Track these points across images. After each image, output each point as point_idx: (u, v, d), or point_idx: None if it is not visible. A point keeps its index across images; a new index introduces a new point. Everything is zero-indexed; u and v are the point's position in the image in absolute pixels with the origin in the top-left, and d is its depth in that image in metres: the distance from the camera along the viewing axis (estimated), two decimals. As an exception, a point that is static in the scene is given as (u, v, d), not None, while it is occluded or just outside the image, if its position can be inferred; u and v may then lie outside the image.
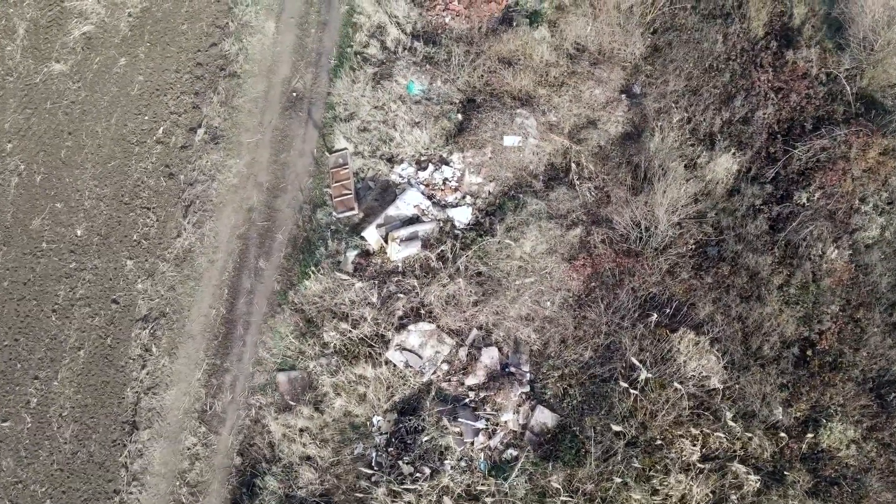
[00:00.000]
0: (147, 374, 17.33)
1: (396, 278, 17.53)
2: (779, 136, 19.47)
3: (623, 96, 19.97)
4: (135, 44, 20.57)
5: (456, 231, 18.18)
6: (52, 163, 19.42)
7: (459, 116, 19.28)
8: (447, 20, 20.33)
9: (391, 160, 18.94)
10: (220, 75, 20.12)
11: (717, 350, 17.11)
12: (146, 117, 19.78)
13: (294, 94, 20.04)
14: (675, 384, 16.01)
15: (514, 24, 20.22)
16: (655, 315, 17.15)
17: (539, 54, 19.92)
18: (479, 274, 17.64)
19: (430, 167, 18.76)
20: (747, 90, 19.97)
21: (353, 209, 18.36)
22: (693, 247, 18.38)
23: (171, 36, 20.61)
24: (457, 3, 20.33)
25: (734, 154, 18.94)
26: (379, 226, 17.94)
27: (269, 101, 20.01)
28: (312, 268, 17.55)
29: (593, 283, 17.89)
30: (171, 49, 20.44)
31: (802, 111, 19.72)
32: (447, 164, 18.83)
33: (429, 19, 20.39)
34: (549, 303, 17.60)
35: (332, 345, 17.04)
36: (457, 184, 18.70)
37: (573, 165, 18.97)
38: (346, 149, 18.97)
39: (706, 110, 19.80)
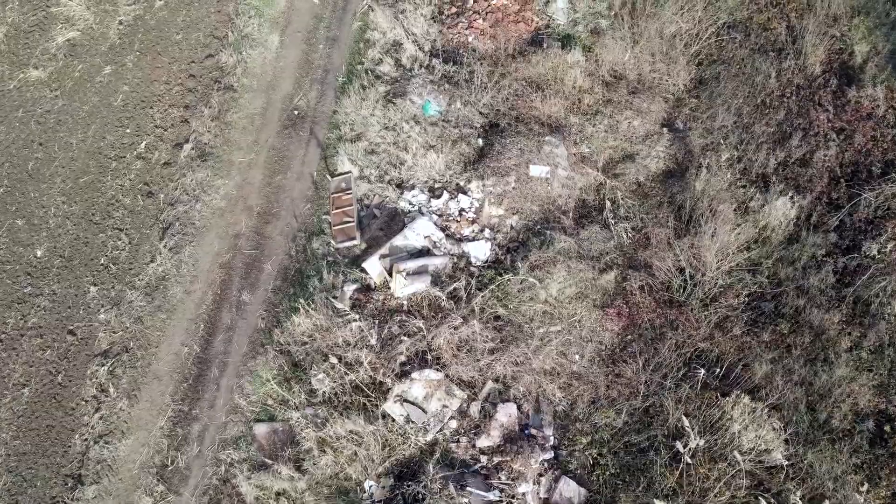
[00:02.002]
0: (100, 418, 15.95)
1: (400, 317, 16.50)
2: (842, 180, 18.71)
3: (665, 130, 19.46)
4: (123, 52, 20.39)
5: (472, 268, 17.34)
6: (18, 175, 18.75)
7: (480, 141, 18.81)
8: (470, 39, 20.07)
9: (401, 186, 18.34)
10: (214, 88, 19.85)
11: (778, 419, 15.55)
12: (128, 130, 19.32)
13: (295, 111, 19.57)
14: (735, 454, 14.37)
15: (545, 46, 19.92)
16: (703, 374, 15.78)
17: (571, 79, 19.59)
18: (497, 318, 16.63)
19: (445, 195, 18.07)
20: (805, 129, 19.34)
21: (354, 239, 17.62)
22: (745, 299, 17.31)
23: (164, 45, 20.41)
24: (481, 22, 20.05)
25: (792, 198, 18.12)
26: (383, 256, 17.07)
27: (266, 118, 19.63)
28: (303, 302, 16.33)
29: (630, 336, 16.85)
30: (163, 59, 20.21)
31: (868, 154, 18.98)
32: (464, 192, 18.18)
33: (450, 37, 20.21)
34: (577, 355, 16.38)
35: (321, 393, 15.74)
36: (474, 215, 17.96)
37: (608, 202, 18.29)
38: (350, 172, 18.44)
39: (759, 149, 19.17)
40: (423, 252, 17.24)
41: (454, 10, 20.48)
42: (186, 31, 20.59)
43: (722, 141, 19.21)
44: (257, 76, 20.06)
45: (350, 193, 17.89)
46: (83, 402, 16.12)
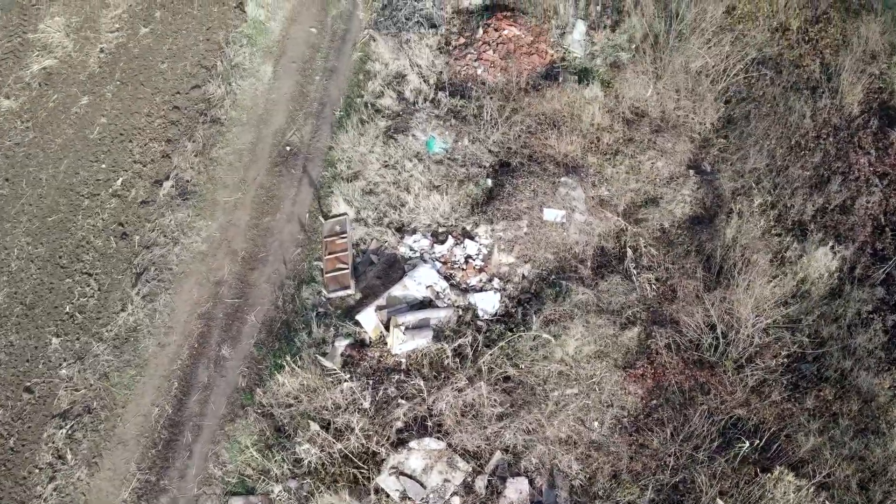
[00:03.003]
0: (55, 490, 14.63)
1: (397, 377, 15.34)
2: (887, 229, 17.92)
3: (691, 172, 18.72)
4: (102, 82, 19.69)
5: (479, 322, 16.24)
6: (-20, 213, 17.59)
7: (489, 182, 17.97)
8: (479, 71, 19.33)
9: (401, 230, 17.40)
10: (199, 121, 19.12)
11: (827, 499, 14.22)
12: (103, 165, 18.44)
13: (288, 147, 18.71)
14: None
15: (560, 80, 19.23)
16: (744, 447, 14.55)
17: (589, 116, 18.92)
18: (507, 379, 15.49)
19: (450, 241, 17.13)
20: (844, 174, 18.63)
21: (348, 288, 16.62)
22: (784, 360, 16.23)
23: (147, 75, 19.68)
24: (492, 53, 19.28)
25: (833, 248, 17.25)
26: (380, 308, 15.97)
27: (256, 154, 18.82)
28: (289, 359, 15.04)
29: (655, 400, 15.73)
30: (145, 89, 19.44)
31: (916, 201, 18.10)
32: (471, 237, 17.22)
33: (457, 69, 19.58)
34: (596, 422, 15.20)
35: (307, 463, 14.32)
36: (482, 263, 16.96)
37: (629, 250, 17.38)
38: (345, 214, 17.57)
39: (794, 194, 18.41)
40: (425, 304, 16.22)
41: (462, 40, 19.74)
42: (172, 60, 19.94)
43: (754, 185, 18.49)
44: (247, 109, 19.37)
45: (345, 237, 16.97)
46: (36, 471, 14.73)
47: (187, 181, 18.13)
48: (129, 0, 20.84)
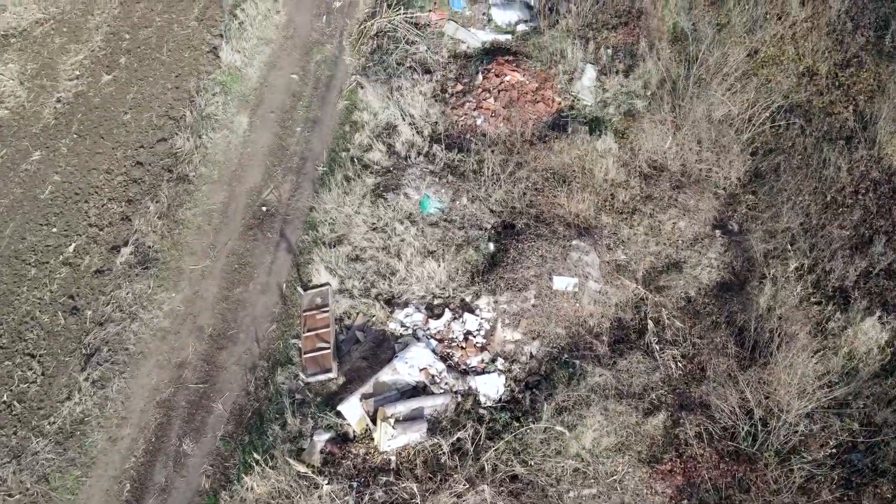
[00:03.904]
0: None
1: (386, 479, 13.82)
2: None
3: (717, 232, 17.65)
4: (57, 135, 18.65)
5: (481, 410, 14.95)
6: (-90, 284, 16.04)
7: (491, 246, 16.79)
8: (479, 122, 18.20)
9: (391, 302, 16.13)
10: (164, 179, 18.01)
11: None
12: (54, 229, 17.21)
13: (264, 207, 17.54)
14: None
15: (569, 130, 18.07)
16: None
17: (602, 170, 17.86)
18: (515, 478, 14.11)
19: (447, 315, 15.83)
20: (888, 233, 17.54)
21: (329, 371, 15.29)
22: (833, 450, 14.83)
23: (109, 127, 18.67)
24: (493, 102, 18.06)
25: (880, 319, 16.00)
26: (366, 396, 14.61)
27: (228, 215, 17.65)
28: (259, 456, 13.43)
29: (687, 501, 14.30)
30: (105, 143, 18.40)
31: (972, 264, 17.35)
32: (471, 311, 15.91)
33: (454, 119, 18.50)
34: None
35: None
36: (484, 340, 15.69)
37: (650, 323, 16.22)
38: (327, 285, 16.32)
39: (833, 257, 17.21)
40: (418, 390, 14.85)
41: (460, 87, 18.54)
42: (137, 111, 18.92)
43: (788, 246, 17.40)
44: (219, 164, 18.30)
45: (327, 311, 15.77)
46: None
47: (149, 247, 16.90)
48: (91, 45, 19.96)
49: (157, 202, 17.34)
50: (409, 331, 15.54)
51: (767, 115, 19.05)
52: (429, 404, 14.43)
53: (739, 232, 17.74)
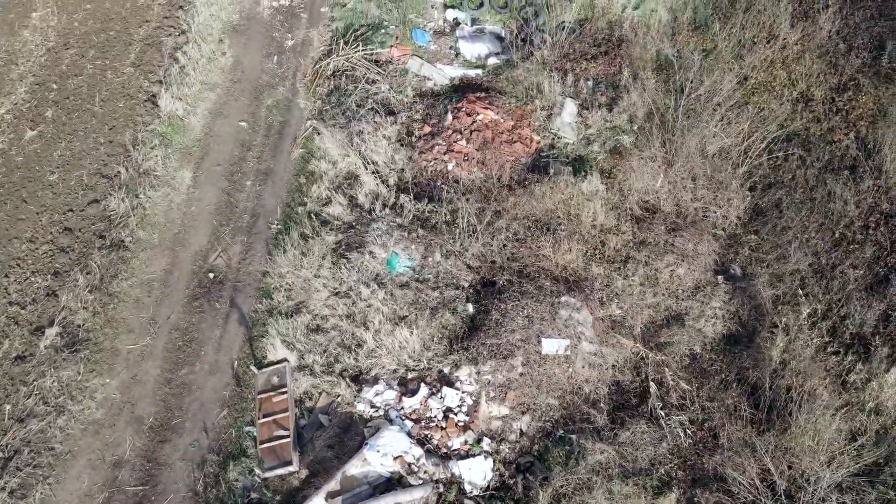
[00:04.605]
0: None
1: None
2: None
3: (720, 278, 16.33)
4: None
5: (466, 501, 13.27)
6: None
7: (470, 307, 15.30)
8: (450, 167, 16.86)
9: (358, 379, 14.49)
10: (96, 246, 16.24)
11: None
12: None
13: (211, 274, 16.01)
14: None
15: (551, 172, 16.88)
16: None
17: (590, 215, 16.49)
18: None
19: (423, 390, 14.24)
20: None
21: (289, 463, 13.59)
22: None
23: (33, 189, 17.07)
24: (465, 143, 16.72)
25: None
26: (332, 495, 12.89)
27: (170, 285, 15.96)
28: None
29: None
30: (28, 208, 16.82)
31: None
32: (451, 384, 14.34)
33: (423, 165, 17.16)
34: None
35: None
36: (467, 418, 14.09)
37: (653, 385, 14.81)
38: (285, 361, 14.72)
39: (848, 300, 15.94)
40: (394, 482, 13.18)
41: (427, 129, 17.12)
42: (65, 170, 17.25)
43: (799, 291, 16.10)
44: (159, 227, 16.64)
45: (285, 393, 14.14)
46: None
47: (79, 326, 15.12)
48: (13, 97, 18.39)
49: (87, 273, 15.63)
50: (381, 412, 13.87)
51: (764, 146, 17.94)
52: (406, 500, 12.72)
53: (743, 276, 16.48)
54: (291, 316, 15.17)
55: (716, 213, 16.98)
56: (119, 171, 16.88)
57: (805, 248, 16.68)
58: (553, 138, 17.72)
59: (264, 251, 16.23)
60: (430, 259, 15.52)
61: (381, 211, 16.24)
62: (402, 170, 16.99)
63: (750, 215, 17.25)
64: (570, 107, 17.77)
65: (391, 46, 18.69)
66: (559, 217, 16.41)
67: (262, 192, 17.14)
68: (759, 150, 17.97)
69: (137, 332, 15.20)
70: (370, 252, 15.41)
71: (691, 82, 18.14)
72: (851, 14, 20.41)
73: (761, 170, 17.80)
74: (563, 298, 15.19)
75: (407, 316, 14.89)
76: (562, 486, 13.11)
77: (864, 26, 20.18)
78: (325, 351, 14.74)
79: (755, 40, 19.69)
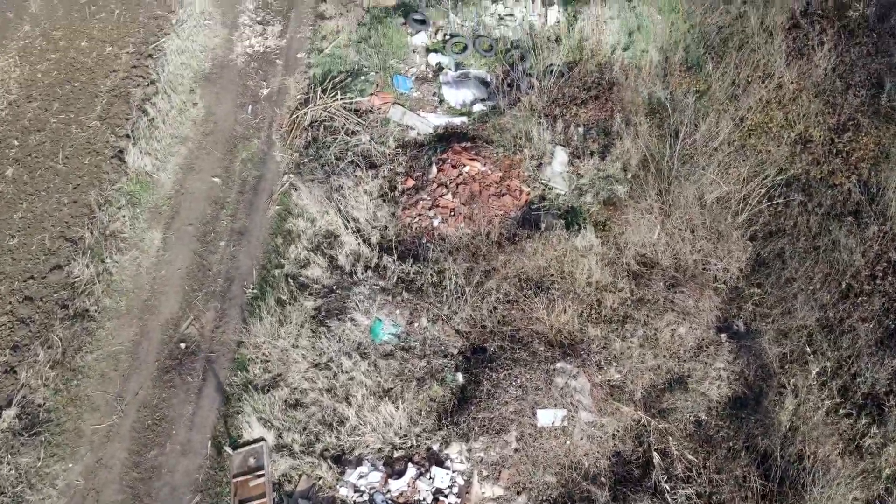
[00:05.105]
0: None
1: None
2: None
3: (723, 336, 15.61)
4: None
5: None
6: None
7: (460, 377, 14.45)
8: (436, 223, 16.15)
9: (340, 460, 13.57)
10: (59, 317, 15.20)
11: None
12: None
13: (183, 344, 15.18)
14: None
15: (543, 226, 16.10)
16: None
17: (584, 272, 15.74)
18: None
19: (411, 470, 13.32)
20: None
21: None
22: None
23: None
24: (451, 198, 15.96)
25: None
26: None
27: (138, 357, 15.00)
28: None
29: None
30: None
31: None
32: (440, 463, 13.46)
33: (407, 222, 16.39)
34: None
35: None
36: (458, 500, 13.17)
37: (656, 456, 13.94)
38: (262, 440, 13.76)
39: (858, 357, 15.28)
40: None
41: (411, 183, 16.38)
42: (26, 233, 16.30)
43: (806, 348, 15.41)
44: (127, 294, 15.71)
45: (262, 476, 13.16)
46: None
47: (39, 405, 14.07)
48: None
49: (49, 347, 14.61)
50: (365, 496, 12.90)
51: (763, 191, 17.37)
52: None
53: (748, 333, 15.82)
54: (268, 390, 14.23)
55: (716, 265, 16.34)
56: (83, 235, 15.92)
57: (811, 301, 16.12)
58: (544, 189, 17.06)
59: (239, 318, 15.33)
60: (415, 324, 14.72)
61: (362, 273, 15.41)
62: (385, 227, 16.23)
63: (752, 266, 16.62)
64: (561, 155, 17.15)
65: (371, 94, 17.97)
66: (552, 275, 15.71)
67: (236, 253, 16.28)
68: (758, 196, 17.50)
69: (103, 411, 14.19)
70: (352, 319, 14.58)
71: (686, 126, 17.61)
72: (847, 51, 20.03)
73: (762, 217, 17.27)
74: (558, 365, 14.41)
75: (392, 388, 14.04)
76: (565, 578, 12.44)
77: (861, 63, 19.77)
78: (304, 428, 13.81)
79: (749, 80, 19.22)
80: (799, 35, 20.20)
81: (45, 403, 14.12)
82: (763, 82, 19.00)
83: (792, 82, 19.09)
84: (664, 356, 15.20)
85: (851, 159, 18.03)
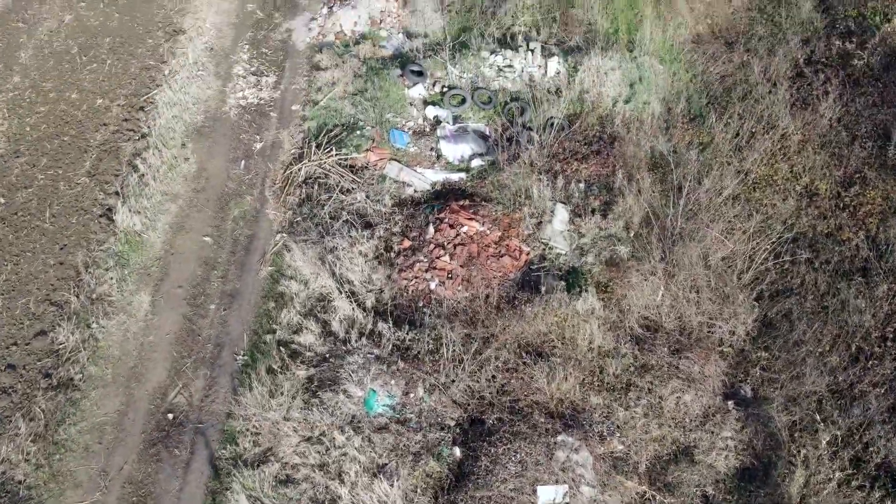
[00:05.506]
0: None
1: None
2: None
3: (730, 403, 15.12)
4: None
5: None
6: None
7: (457, 451, 13.90)
8: (433, 286, 15.69)
9: None
10: (41, 386, 14.61)
11: None
12: None
13: (170, 415, 14.67)
14: None
15: (543, 289, 15.67)
16: None
17: (586, 337, 15.23)
18: None
19: None
20: None
21: None
22: None
23: None
24: (448, 259, 15.41)
25: None
26: None
27: (124, 429, 14.43)
28: None
29: None
30: None
31: None
32: None
33: (403, 285, 15.91)
34: None
35: None
36: None
37: None
38: None
39: (870, 425, 14.78)
40: None
41: (407, 243, 15.92)
42: (9, 297, 15.69)
43: (816, 415, 14.91)
44: (113, 361, 15.13)
45: None
46: None
47: (19, 482, 13.47)
48: None
49: (31, 420, 14.04)
50: (359, 582, 12.51)
51: (769, 247, 16.97)
52: None
53: (755, 399, 15.30)
54: (258, 465, 13.66)
55: (722, 328, 15.82)
56: (69, 299, 15.34)
57: (820, 365, 15.61)
58: (544, 249, 16.54)
59: (229, 387, 14.80)
60: (411, 395, 14.18)
61: (357, 341, 14.83)
62: (381, 290, 15.67)
63: (759, 328, 16.11)
64: (562, 213, 16.73)
65: (367, 150, 17.52)
66: (553, 341, 15.15)
67: (227, 317, 15.71)
68: (764, 252, 17.09)
69: (86, 487, 13.63)
70: (345, 391, 14.04)
71: (689, 182, 17.25)
72: (852, 101, 19.66)
73: (768, 276, 16.72)
74: (559, 438, 13.90)
75: (387, 464, 13.40)
76: None
77: (867, 114, 19.38)
78: (296, 507, 13.48)
79: (753, 131, 18.90)
80: (803, 84, 19.89)
81: (25, 480, 13.56)
82: (767, 133, 18.72)
83: (796, 133, 18.85)
84: (669, 426, 14.72)
85: (859, 214, 17.64)
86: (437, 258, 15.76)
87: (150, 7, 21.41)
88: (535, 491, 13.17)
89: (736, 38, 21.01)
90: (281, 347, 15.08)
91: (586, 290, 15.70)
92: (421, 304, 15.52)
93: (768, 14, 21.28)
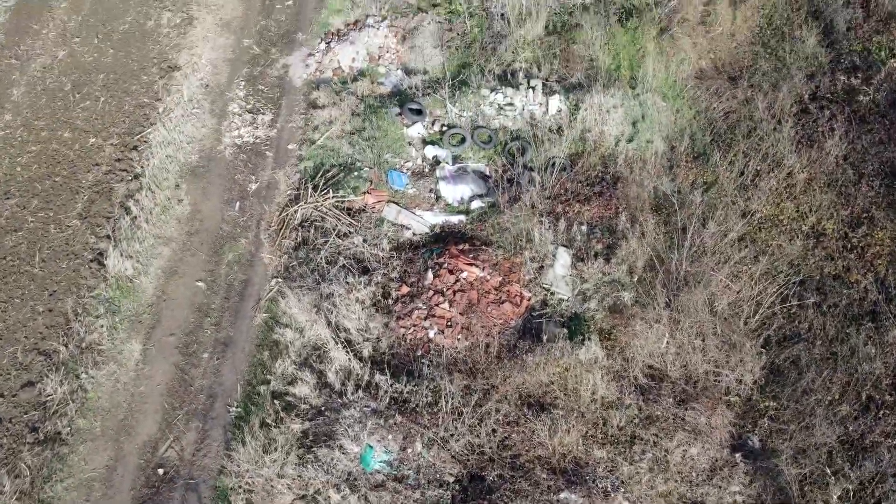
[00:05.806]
0: None
1: None
2: None
3: (738, 456, 14.72)
4: None
5: None
6: None
7: None
8: (431, 334, 15.25)
9: None
10: (28, 441, 14.20)
11: None
12: None
13: (161, 470, 14.27)
14: None
15: (544, 337, 15.24)
16: None
17: (589, 388, 14.81)
18: None
19: None
20: None
21: None
22: None
23: None
24: (447, 307, 14.99)
25: None
26: None
27: (112, 485, 13.97)
28: None
29: None
30: None
31: None
32: None
33: (401, 333, 15.47)
34: None
35: None
36: None
37: None
38: None
39: (883, 479, 14.38)
40: None
41: (405, 290, 15.54)
42: None
43: (826, 468, 14.49)
44: (103, 413, 14.69)
45: None
46: None
47: (4, 543, 13.11)
48: None
49: (16, 477, 13.61)
50: None
51: (776, 290, 16.62)
52: None
53: (763, 450, 14.92)
54: (251, 526, 13.43)
55: (728, 376, 15.42)
56: (58, 348, 14.95)
57: (829, 414, 15.20)
58: (545, 294, 16.15)
59: (222, 440, 14.37)
60: (409, 450, 13.76)
61: (353, 392, 14.39)
62: (378, 339, 15.25)
63: (766, 376, 15.69)
64: (564, 257, 16.36)
65: (365, 192, 17.13)
66: (555, 391, 14.76)
67: (220, 366, 15.29)
68: (771, 296, 16.73)
69: (74, 548, 13.43)
70: (341, 447, 13.59)
71: (694, 224, 16.94)
72: (858, 138, 19.29)
73: (775, 321, 16.31)
74: (562, 495, 13.52)
75: (384, 526, 13.21)
76: None
77: (873, 151, 19.00)
78: (288, 572, 12.95)
79: (758, 169, 18.59)
80: (808, 121, 19.56)
81: (9, 541, 13.35)
82: (772, 171, 18.42)
83: (802, 171, 18.54)
84: (675, 480, 14.30)
85: (867, 255, 17.25)
86: (436, 305, 15.38)
87: (145, 43, 21.05)
88: (537, 552, 12.97)
89: (739, 73, 20.72)
90: (275, 400, 14.61)
91: (589, 339, 15.31)
92: (419, 354, 15.10)
93: (772, 48, 21.02)
